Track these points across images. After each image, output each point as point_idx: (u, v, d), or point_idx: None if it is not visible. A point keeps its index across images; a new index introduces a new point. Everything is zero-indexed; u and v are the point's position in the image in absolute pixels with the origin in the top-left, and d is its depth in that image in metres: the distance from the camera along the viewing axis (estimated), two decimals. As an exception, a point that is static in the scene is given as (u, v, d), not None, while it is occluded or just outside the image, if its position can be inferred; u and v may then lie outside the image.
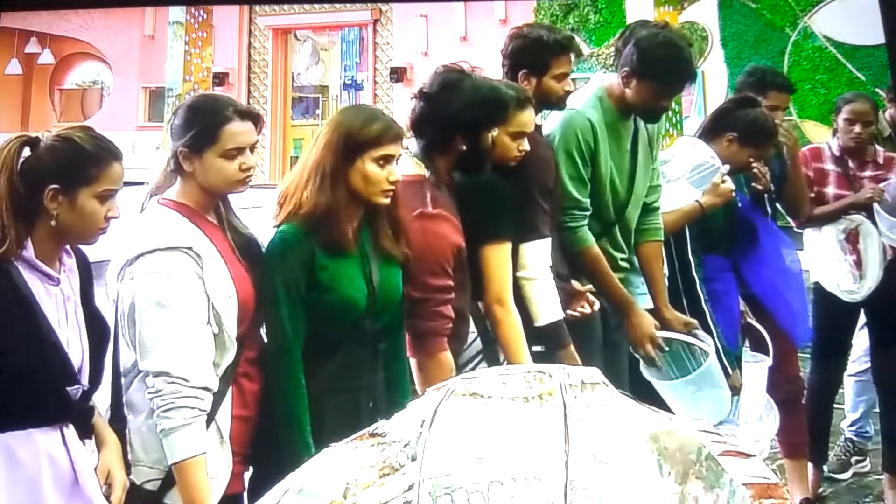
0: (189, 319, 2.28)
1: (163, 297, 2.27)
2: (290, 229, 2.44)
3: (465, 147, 2.76)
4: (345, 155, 2.45)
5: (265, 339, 2.48)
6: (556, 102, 3.20)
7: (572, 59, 3.23)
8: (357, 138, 2.45)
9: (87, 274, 2.33)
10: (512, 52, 3.20)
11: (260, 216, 2.61)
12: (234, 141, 2.37)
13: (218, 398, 2.32)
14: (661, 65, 3.23)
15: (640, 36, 3.31)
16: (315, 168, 2.45)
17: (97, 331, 2.31)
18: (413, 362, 2.67)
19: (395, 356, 2.60)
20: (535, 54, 3.15)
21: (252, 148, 2.42)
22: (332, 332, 2.46)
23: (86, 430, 2.26)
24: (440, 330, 2.65)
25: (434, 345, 2.65)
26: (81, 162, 2.18)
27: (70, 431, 2.22)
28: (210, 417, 2.30)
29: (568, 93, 3.20)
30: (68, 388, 2.20)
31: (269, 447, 2.37)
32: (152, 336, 2.26)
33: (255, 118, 2.44)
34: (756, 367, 3.65)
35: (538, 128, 3.16)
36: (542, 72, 3.15)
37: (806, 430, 4.04)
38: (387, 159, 2.47)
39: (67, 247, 2.27)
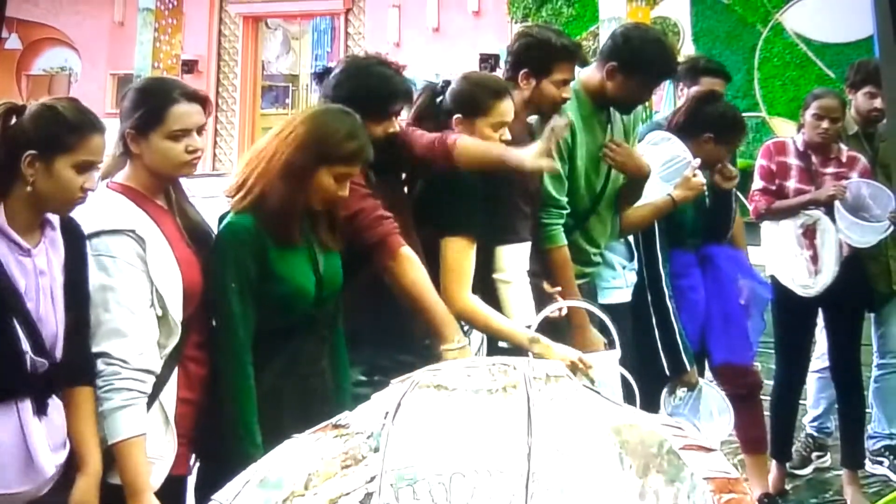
0: (131, 302, 2.27)
1: (105, 280, 2.27)
2: (244, 221, 2.44)
3: None
4: (316, 159, 2.45)
5: (213, 323, 2.48)
6: (552, 108, 3.15)
7: (575, 68, 3.20)
8: (334, 150, 2.46)
9: (74, 248, 2.28)
10: (517, 50, 3.18)
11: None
12: (180, 122, 2.37)
13: (162, 380, 2.32)
14: (651, 60, 3.28)
15: (629, 33, 3.36)
16: (286, 165, 2.44)
17: (77, 307, 2.26)
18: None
19: (338, 342, 2.64)
20: (540, 56, 3.12)
21: (199, 130, 2.42)
22: (284, 322, 2.47)
23: (42, 406, 2.19)
24: (389, 229, 2.64)
25: (392, 243, 2.63)
26: (61, 129, 2.16)
27: (25, 405, 2.15)
28: (152, 399, 2.29)
29: (565, 100, 3.16)
30: (35, 360, 2.14)
31: (216, 440, 2.37)
32: (94, 318, 2.26)
33: (202, 100, 2.44)
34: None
35: (531, 130, 3.14)
36: (543, 74, 3.12)
37: (764, 424, 4.06)
38: (347, 176, 2.49)
39: (54, 221, 2.24)
